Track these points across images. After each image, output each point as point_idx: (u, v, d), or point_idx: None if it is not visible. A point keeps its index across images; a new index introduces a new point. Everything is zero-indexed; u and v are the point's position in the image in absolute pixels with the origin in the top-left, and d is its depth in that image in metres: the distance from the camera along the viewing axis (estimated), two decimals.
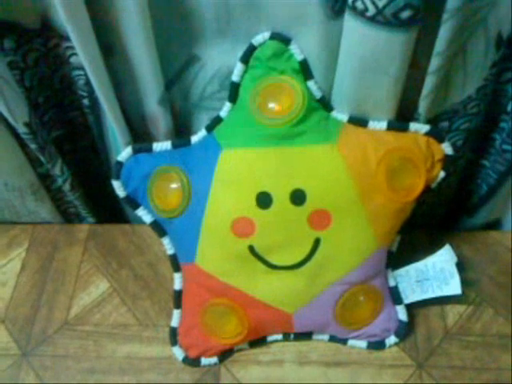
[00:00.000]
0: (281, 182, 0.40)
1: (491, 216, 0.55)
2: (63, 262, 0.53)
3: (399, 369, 0.45)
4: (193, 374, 0.46)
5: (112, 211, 0.58)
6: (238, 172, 0.41)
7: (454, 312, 0.48)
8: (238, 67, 0.41)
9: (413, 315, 0.48)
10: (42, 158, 0.46)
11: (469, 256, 0.52)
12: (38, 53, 0.42)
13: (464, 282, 0.49)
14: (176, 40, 0.41)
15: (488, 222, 0.55)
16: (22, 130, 0.42)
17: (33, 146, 0.44)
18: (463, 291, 0.45)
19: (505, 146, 0.46)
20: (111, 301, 0.50)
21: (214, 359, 0.46)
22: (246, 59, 0.41)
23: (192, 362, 0.46)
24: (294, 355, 0.46)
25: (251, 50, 0.40)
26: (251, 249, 0.41)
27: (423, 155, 0.42)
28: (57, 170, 0.48)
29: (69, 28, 0.35)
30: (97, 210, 0.57)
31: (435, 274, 0.46)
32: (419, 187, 0.42)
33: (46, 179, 0.51)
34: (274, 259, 0.42)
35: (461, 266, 0.47)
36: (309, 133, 0.40)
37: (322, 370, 0.45)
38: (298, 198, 0.40)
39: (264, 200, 0.40)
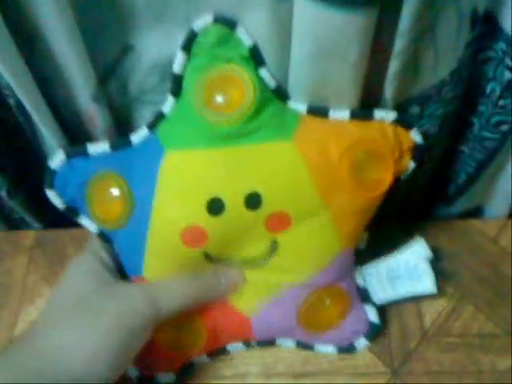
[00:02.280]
0: (233, 186, 0.36)
1: (471, 204, 0.51)
2: (7, 274, 0.49)
3: (372, 377, 0.42)
4: None
5: (60, 215, 0.53)
6: (184, 176, 0.36)
7: (431, 311, 0.45)
8: (179, 57, 0.36)
9: (387, 317, 0.45)
10: None
11: (447, 247, 0.49)
12: None
13: (442, 276, 0.46)
14: (107, 29, 0.36)
15: (467, 209, 0.52)
16: None
17: None
18: (439, 288, 0.42)
19: (484, 133, 0.42)
20: None
21: (172, 375, 0.42)
22: (187, 47, 0.36)
23: (147, 380, 0.42)
24: (259, 367, 0.43)
25: (192, 36, 0.35)
26: (206, 255, 0.38)
27: (390, 145, 0.38)
28: None
29: None
30: (42, 214, 0.52)
31: (407, 271, 0.43)
32: (387, 181, 0.38)
33: None
34: (230, 260, 0.39)
35: (436, 260, 0.43)
36: (263, 129, 0.36)
37: (290, 382, 0.42)
38: (253, 201, 0.36)
39: (215, 206, 0.36)
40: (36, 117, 0.38)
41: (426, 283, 0.42)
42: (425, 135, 0.41)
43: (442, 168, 0.49)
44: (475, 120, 0.43)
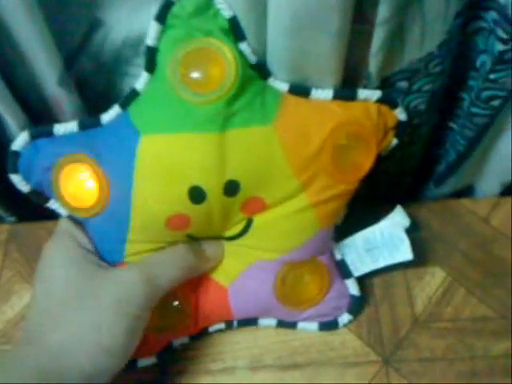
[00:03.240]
0: (213, 174, 0.34)
1: (461, 183, 0.49)
2: None
3: (364, 366, 0.41)
4: None
5: (35, 206, 0.51)
6: (163, 164, 0.35)
7: (422, 297, 0.44)
8: (153, 28, 0.33)
9: (377, 303, 0.43)
10: None
11: (437, 228, 0.47)
12: None
13: (432, 259, 0.45)
14: (73, 4, 0.33)
15: (458, 189, 0.50)
16: None
17: None
18: (414, 256, 0.41)
19: (474, 109, 0.40)
20: None
21: (152, 359, 0.41)
22: (161, 18, 0.33)
23: (127, 364, 0.40)
24: (247, 360, 0.41)
25: (167, 5, 0.33)
26: (189, 235, 0.38)
27: (374, 127, 0.36)
28: None
29: None
30: (16, 206, 0.50)
31: (384, 240, 0.41)
32: (368, 164, 0.37)
33: None
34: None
35: (416, 228, 0.42)
36: (244, 110, 0.34)
37: (279, 375, 0.41)
38: (231, 189, 0.35)
39: (197, 195, 0.35)
40: (1, 107, 0.36)
41: (403, 251, 0.41)
42: (413, 112, 0.39)
43: (431, 147, 0.47)
44: (465, 95, 0.41)
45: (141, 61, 0.36)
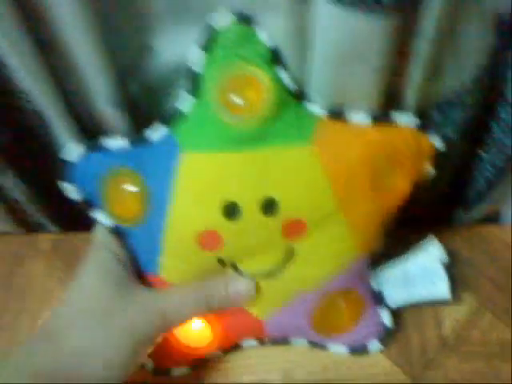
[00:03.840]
0: (250, 191, 0.36)
1: (489, 209, 0.50)
2: (26, 278, 0.49)
3: None
4: None
5: (78, 217, 0.53)
6: (201, 179, 0.36)
7: (450, 319, 0.45)
8: (198, 54, 0.36)
9: (406, 325, 0.44)
10: None
11: (465, 254, 0.48)
12: None
13: (460, 284, 0.46)
14: (124, 30, 0.36)
15: (486, 215, 0.51)
16: None
17: None
18: (455, 295, 0.42)
19: (505, 140, 0.41)
20: None
21: (185, 369, 0.43)
22: (206, 45, 0.35)
23: (161, 372, 0.42)
24: (279, 374, 0.43)
25: (212, 34, 0.35)
26: (220, 260, 0.38)
27: (411, 152, 0.37)
28: (9, 183, 0.44)
29: None
30: (60, 217, 0.52)
31: (422, 274, 0.42)
32: (406, 188, 0.37)
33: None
34: (245, 267, 0.38)
35: (452, 265, 0.43)
36: (281, 132, 0.35)
37: None
38: (269, 207, 0.35)
39: (231, 211, 0.36)
40: (55, 121, 0.38)
41: (440, 288, 0.42)
42: (445, 141, 0.40)
43: (460, 173, 0.48)
44: (495, 125, 0.43)
45: (184, 85, 0.38)
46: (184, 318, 0.38)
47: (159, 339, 0.38)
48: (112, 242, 0.40)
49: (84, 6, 0.31)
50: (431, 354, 0.43)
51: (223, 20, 0.34)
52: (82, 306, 0.36)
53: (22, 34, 0.31)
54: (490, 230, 0.50)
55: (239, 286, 0.38)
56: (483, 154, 0.46)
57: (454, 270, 0.46)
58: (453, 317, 0.45)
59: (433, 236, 0.43)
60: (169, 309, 0.37)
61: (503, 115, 0.41)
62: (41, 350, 0.33)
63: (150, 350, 0.38)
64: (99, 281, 0.37)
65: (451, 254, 0.44)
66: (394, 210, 0.39)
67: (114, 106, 0.38)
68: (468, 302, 0.46)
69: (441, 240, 0.47)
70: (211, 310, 0.38)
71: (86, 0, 0.31)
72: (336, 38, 0.32)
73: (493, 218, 0.52)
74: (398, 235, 0.42)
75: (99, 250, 0.40)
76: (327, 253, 0.38)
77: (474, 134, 0.44)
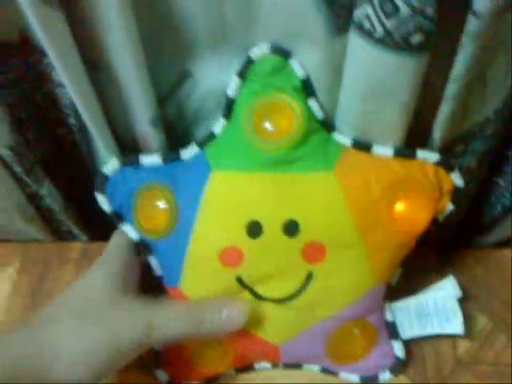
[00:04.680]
0: (273, 211, 0.37)
1: (505, 234, 0.52)
2: (56, 283, 0.51)
3: None
4: None
5: (106, 227, 0.55)
6: (227, 197, 0.38)
7: (465, 340, 0.46)
8: (234, 81, 0.38)
9: (422, 343, 0.45)
10: (27, 181, 0.43)
11: (480, 276, 0.50)
12: (19, 69, 0.39)
13: (475, 306, 0.47)
14: (167, 56, 0.38)
15: (501, 239, 0.53)
16: (5, 153, 0.40)
17: (18, 170, 0.42)
18: (465, 330, 0.43)
19: None
20: None
21: None
22: (242, 73, 0.37)
23: None
24: None
25: (249, 63, 0.37)
26: (239, 280, 0.39)
27: (431, 186, 0.38)
28: (44, 191, 0.46)
29: (45, 45, 0.32)
30: (90, 227, 0.54)
31: (436, 309, 0.43)
32: (425, 221, 0.38)
33: (34, 199, 0.49)
34: (263, 290, 0.39)
35: (464, 300, 0.44)
36: (307, 158, 0.37)
37: None
38: (290, 228, 0.37)
39: (254, 229, 0.37)
40: (96, 136, 0.40)
41: (454, 324, 0.42)
42: (464, 169, 0.42)
43: (478, 200, 0.50)
44: None
45: (219, 112, 0.40)
46: (172, 335, 0.37)
47: (142, 352, 0.37)
48: (125, 249, 0.41)
49: (133, 32, 0.33)
50: (446, 372, 0.44)
51: (260, 51, 0.36)
52: (73, 305, 0.37)
53: (75, 54, 0.33)
54: (505, 254, 0.51)
55: (234, 311, 0.37)
56: (500, 181, 0.47)
57: (470, 292, 0.47)
58: (467, 337, 0.46)
59: (451, 275, 0.44)
60: (156, 321, 0.36)
61: None
62: (24, 337, 0.34)
63: (129, 360, 0.36)
64: (98, 283, 0.38)
65: (467, 276, 0.45)
66: (411, 241, 0.40)
67: (153, 125, 0.40)
68: (482, 322, 0.47)
69: (457, 263, 0.49)
70: (202, 333, 0.37)
71: (134, 27, 0.33)
72: (366, 72, 0.34)
73: (508, 243, 0.54)
74: (418, 257, 0.42)
75: (110, 254, 0.41)
76: (345, 280, 0.39)
77: (492, 162, 0.46)
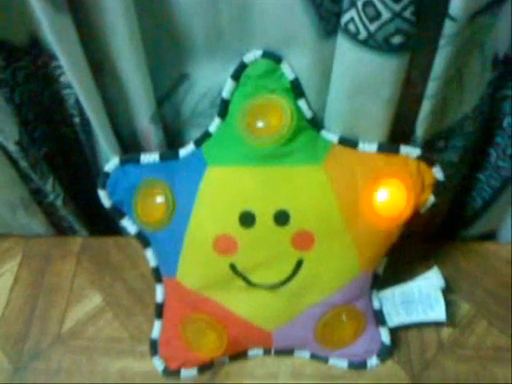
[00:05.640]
0: (265, 202, 0.40)
1: (487, 227, 0.55)
2: (56, 276, 0.53)
3: (393, 382, 0.45)
4: None
5: (106, 223, 0.57)
6: (222, 190, 0.40)
7: (448, 325, 0.48)
8: (229, 84, 0.41)
9: (407, 330, 0.48)
10: (32, 176, 0.45)
11: (463, 267, 0.53)
12: (27, 70, 0.41)
13: (458, 293, 0.50)
14: (166, 58, 0.40)
15: (483, 232, 0.55)
16: (12, 148, 0.42)
17: (24, 164, 0.44)
18: (448, 317, 0.45)
19: (500, 163, 0.45)
20: (104, 315, 0.50)
21: (194, 371, 0.46)
22: (236, 76, 0.40)
23: (171, 373, 0.46)
24: (289, 369, 0.47)
25: (242, 67, 0.40)
26: (232, 267, 0.41)
27: (413, 180, 0.41)
28: (48, 187, 0.48)
29: (57, 48, 0.35)
30: (90, 223, 0.56)
31: (421, 298, 0.46)
32: (407, 212, 0.41)
33: (37, 194, 0.51)
34: (255, 277, 0.41)
35: (448, 289, 0.47)
36: (296, 153, 0.40)
37: (318, 383, 0.46)
38: (281, 218, 0.39)
39: (247, 219, 0.39)
40: (99, 134, 0.42)
41: (437, 311, 0.45)
42: (446, 165, 0.44)
43: (460, 194, 0.52)
44: (492, 151, 0.47)
45: (214, 112, 0.43)
46: None
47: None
48: None
49: (136, 38, 0.36)
50: (430, 356, 0.47)
51: (253, 55, 0.39)
52: None
53: (83, 57, 0.36)
54: (487, 247, 0.54)
55: None
56: (481, 176, 0.50)
57: (453, 282, 0.49)
58: (450, 323, 0.48)
59: (436, 266, 0.47)
60: None
61: (499, 140, 0.45)
62: None
63: None
64: None
65: (451, 267, 0.47)
66: (395, 231, 0.42)
67: (152, 123, 0.42)
68: (465, 309, 0.49)
69: (442, 255, 0.52)
70: None
71: (137, 33, 0.36)
72: (351, 71, 0.36)
73: (490, 237, 0.56)
74: (404, 249, 0.45)
75: None
76: (332, 266, 0.41)
77: (473, 158, 0.48)
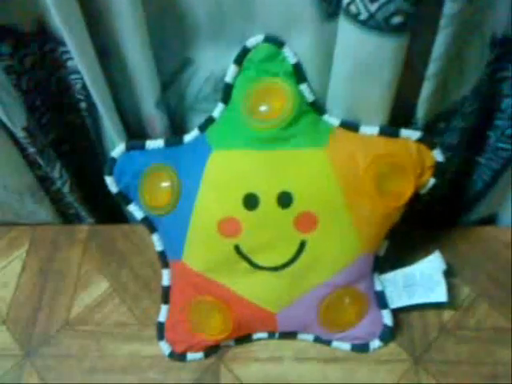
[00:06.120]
0: (268, 184, 0.40)
1: (487, 211, 0.55)
2: (64, 263, 0.54)
3: (395, 364, 0.46)
4: (193, 373, 0.47)
5: (112, 211, 0.58)
6: (226, 173, 0.41)
7: (449, 308, 0.49)
8: (232, 69, 0.41)
9: (409, 312, 0.48)
10: (40, 162, 0.46)
11: (464, 251, 0.53)
12: (35, 57, 0.42)
13: (459, 277, 0.51)
14: (170, 43, 0.41)
15: (484, 217, 0.56)
16: (20, 134, 0.43)
17: (31, 150, 0.45)
18: (449, 299, 0.46)
19: (500, 144, 0.46)
20: (111, 300, 0.51)
21: (200, 355, 0.47)
22: (239, 61, 0.41)
23: (178, 356, 0.47)
24: (293, 352, 0.47)
25: (245, 52, 0.40)
26: (237, 248, 0.42)
27: (413, 162, 0.42)
28: (55, 173, 0.49)
29: (64, 33, 0.35)
30: (96, 210, 0.57)
31: (422, 280, 0.46)
32: (407, 193, 0.42)
33: (44, 181, 0.52)
34: (259, 259, 0.42)
35: (449, 273, 0.47)
36: (298, 136, 0.40)
37: (320, 366, 0.46)
38: (284, 200, 0.40)
39: (251, 201, 0.40)
40: (106, 119, 0.43)
41: (438, 292, 0.46)
42: (447, 146, 0.45)
43: (460, 177, 0.53)
44: (491, 133, 0.47)
45: (217, 96, 0.43)
46: None
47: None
48: None
49: (140, 22, 0.37)
50: (431, 337, 0.47)
51: (255, 40, 0.39)
52: None
53: (89, 42, 0.36)
54: (488, 231, 0.55)
55: None
56: (481, 159, 0.51)
57: (455, 266, 0.50)
58: (452, 306, 0.49)
59: (437, 250, 0.47)
60: None
61: (498, 122, 0.46)
62: None
63: None
64: None
65: (453, 252, 0.47)
66: (396, 212, 0.43)
67: (157, 107, 0.43)
68: (466, 292, 0.50)
69: (443, 239, 0.52)
70: None
71: (142, 17, 0.36)
72: (352, 52, 0.37)
73: (490, 221, 0.57)
74: (405, 235, 0.46)
75: None
76: (334, 248, 0.42)
77: (472, 141, 0.49)
